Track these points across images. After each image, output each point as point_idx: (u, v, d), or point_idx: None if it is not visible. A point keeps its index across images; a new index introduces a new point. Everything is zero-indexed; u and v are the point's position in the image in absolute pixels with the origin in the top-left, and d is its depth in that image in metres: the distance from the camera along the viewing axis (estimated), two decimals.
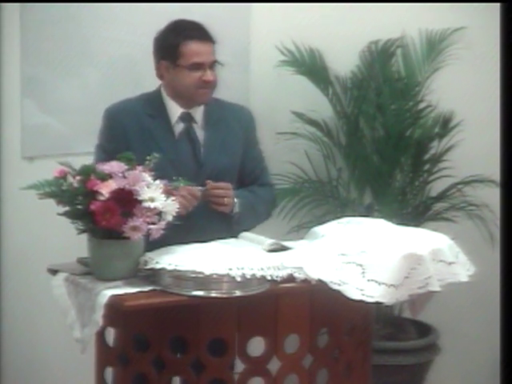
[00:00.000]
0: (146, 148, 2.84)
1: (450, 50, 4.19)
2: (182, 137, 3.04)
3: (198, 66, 2.97)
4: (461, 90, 4.25)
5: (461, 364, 4.43)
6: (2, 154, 3.80)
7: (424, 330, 4.21)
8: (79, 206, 2.54)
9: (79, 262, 2.76)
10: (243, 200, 3.05)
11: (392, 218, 3.28)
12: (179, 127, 3.04)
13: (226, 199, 2.98)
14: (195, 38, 2.97)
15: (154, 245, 2.64)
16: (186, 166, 2.95)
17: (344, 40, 4.14)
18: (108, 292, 2.50)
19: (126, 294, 2.51)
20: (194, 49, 2.96)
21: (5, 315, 3.88)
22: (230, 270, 2.52)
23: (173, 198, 2.60)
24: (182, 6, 3.86)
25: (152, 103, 3.05)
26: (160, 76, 3.04)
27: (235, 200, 3.02)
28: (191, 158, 3.01)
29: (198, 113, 3.07)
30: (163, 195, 2.56)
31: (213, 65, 3.00)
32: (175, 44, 2.97)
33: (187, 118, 3.05)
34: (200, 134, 3.06)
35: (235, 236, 3.01)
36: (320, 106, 4.14)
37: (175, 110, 3.03)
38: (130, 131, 2.99)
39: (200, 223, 2.91)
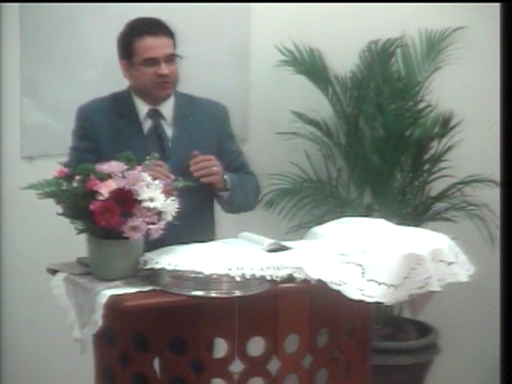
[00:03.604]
0: (115, 146, 2.89)
1: (449, 49, 4.18)
2: (150, 133, 3.06)
3: (152, 62, 2.97)
4: (461, 89, 4.25)
5: (461, 364, 4.42)
6: (2, 154, 3.80)
7: (424, 329, 4.21)
8: (79, 206, 2.54)
9: (79, 262, 2.75)
10: (232, 177, 3.06)
11: (392, 218, 3.28)
12: (147, 124, 3.07)
13: (214, 168, 2.98)
14: (145, 34, 2.98)
15: (152, 244, 2.63)
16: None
17: (344, 40, 4.14)
18: (107, 292, 2.50)
19: (125, 294, 2.51)
20: (144, 44, 2.97)
21: (5, 315, 3.88)
22: (230, 269, 2.52)
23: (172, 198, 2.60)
24: (182, 6, 3.86)
25: (121, 102, 3.08)
26: (124, 76, 3.07)
27: (225, 176, 3.02)
28: (159, 154, 3.00)
29: (167, 109, 3.08)
30: (163, 195, 2.56)
31: (170, 58, 3.00)
32: (127, 43, 3.01)
33: (155, 115, 3.07)
34: (169, 130, 3.08)
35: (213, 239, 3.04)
36: (320, 105, 4.14)
37: (142, 107, 3.06)
38: (100, 129, 3.03)
39: (178, 218, 2.88)
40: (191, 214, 2.98)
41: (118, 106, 3.07)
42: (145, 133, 3.06)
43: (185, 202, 2.87)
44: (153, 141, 3.05)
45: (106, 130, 3.03)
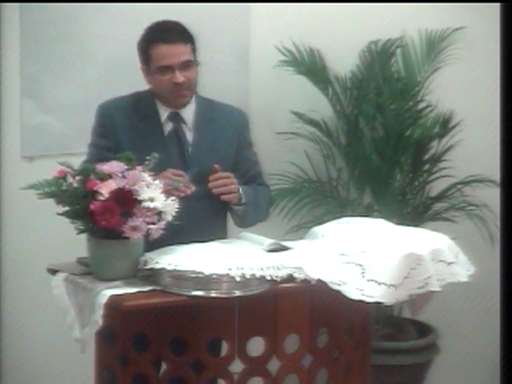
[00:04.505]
0: (135, 146, 2.86)
1: (449, 49, 4.19)
2: (170, 136, 3.05)
3: (167, 69, 2.95)
4: (461, 89, 4.25)
5: (460, 364, 4.42)
6: (2, 154, 3.80)
7: (423, 329, 4.21)
8: (79, 206, 2.54)
9: (79, 262, 2.75)
10: (247, 191, 3.06)
11: (392, 218, 3.28)
12: (168, 127, 3.05)
13: (232, 186, 2.99)
14: (159, 42, 2.95)
15: (151, 245, 2.63)
16: (173, 166, 2.93)
17: (344, 40, 4.14)
18: (108, 292, 2.50)
19: (125, 294, 2.51)
20: (159, 52, 2.95)
21: (5, 315, 3.88)
22: (230, 269, 2.52)
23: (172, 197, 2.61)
24: (182, 6, 3.86)
25: (143, 102, 3.06)
26: (144, 79, 3.05)
27: (240, 190, 3.03)
28: (179, 158, 3.02)
29: (188, 113, 3.07)
30: (163, 195, 2.56)
31: (186, 65, 2.97)
32: (145, 49, 3.00)
33: (176, 118, 3.05)
34: (189, 134, 3.07)
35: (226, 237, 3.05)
36: (320, 105, 4.14)
37: (163, 109, 3.05)
38: (121, 128, 3.02)
39: (194, 222, 2.90)
40: (204, 219, 2.99)
41: (140, 107, 3.05)
42: (165, 135, 3.04)
43: (198, 206, 2.89)
44: (173, 144, 3.03)
45: (126, 130, 3.01)
